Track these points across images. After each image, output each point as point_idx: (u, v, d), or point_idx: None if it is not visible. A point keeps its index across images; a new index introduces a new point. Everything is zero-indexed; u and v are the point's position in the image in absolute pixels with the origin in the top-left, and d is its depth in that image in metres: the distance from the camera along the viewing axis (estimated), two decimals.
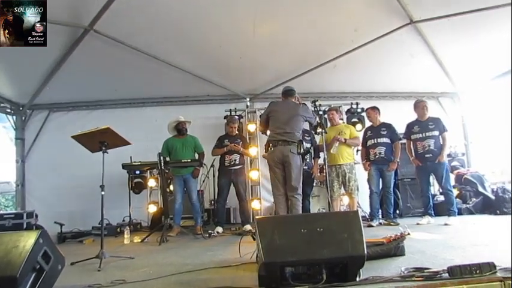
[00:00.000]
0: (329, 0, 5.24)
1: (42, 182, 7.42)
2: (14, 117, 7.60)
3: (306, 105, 4.75)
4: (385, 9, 5.54)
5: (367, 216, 6.08)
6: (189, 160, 5.36)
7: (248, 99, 7.77)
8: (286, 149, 4.41)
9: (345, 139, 5.55)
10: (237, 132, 6.17)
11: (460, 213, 5.73)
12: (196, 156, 5.75)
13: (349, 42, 6.21)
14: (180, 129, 5.76)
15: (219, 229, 5.56)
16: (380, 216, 5.76)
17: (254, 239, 2.95)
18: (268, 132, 4.78)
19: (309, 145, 5.78)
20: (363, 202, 6.31)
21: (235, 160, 5.80)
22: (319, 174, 6.26)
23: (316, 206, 5.94)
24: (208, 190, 6.60)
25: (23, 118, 7.59)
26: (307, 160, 5.80)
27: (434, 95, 7.82)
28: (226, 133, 6.21)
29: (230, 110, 7.25)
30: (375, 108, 5.93)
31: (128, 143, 3.77)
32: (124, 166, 5.20)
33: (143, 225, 6.88)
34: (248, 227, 5.46)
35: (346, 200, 5.85)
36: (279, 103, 4.87)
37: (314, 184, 6.10)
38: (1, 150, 11.15)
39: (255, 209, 6.20)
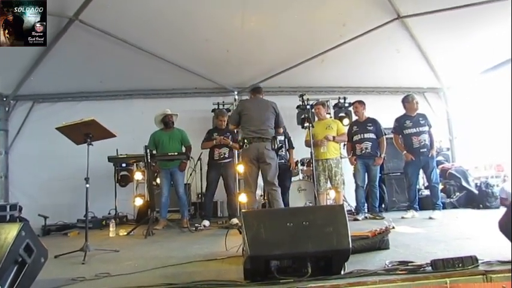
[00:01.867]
0: None
1: (26, 173, 7.30)
2: None
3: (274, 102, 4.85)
4: (373, 4, 5.58)
5: (353, 210, 6.14)
6: (175, 153, 5.32)
7: (236, 92, 7.75)
8: (262, 145, 4.51)
9: (334, 137, 5.59)
10: (225, 125, 6.14)
11: (444, 207, 5.81)
12: (183, 149, 5.71)
13: (337, 37, 6.25)
14: (166, 122, 5.71)
15: (206, 222, 5.56)
16: (366, 210, 5.82)
17: (240, 233, 2.95)
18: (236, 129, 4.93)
19: (282, 137, 5.80)
20: (349, 196, 6.38)
21: (224, 154, 5.78)
22: (302, 168, 6.31)
23: (303, 200, 5.96)
24: (196, 183, 6.57)
25: (6, 109, 7.43)
26: (283, 153, 5.84)
27: (420, 91, 7.89)
28: (215, 126, 6.18)
29: (218, 103, 7.21)
30: (362, 103, 5.95)
31: (113, 135, 3.72)
32: (110, 159, 5.13)
33: (129, 218, 6.84)
34: (235, 220, 5.47)
35: (332, 194, 5.88)
36: (249, 101, 4.98)
37: (301, 178, 6.12)
38: None
39: (242, 202, 6.17)
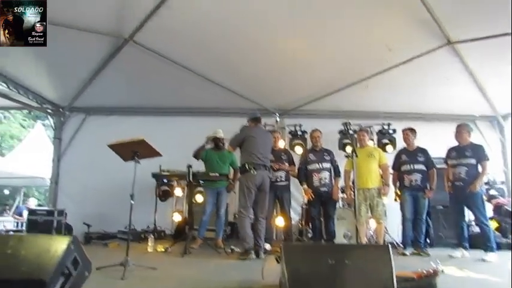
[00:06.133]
0: (363, 18, 5.13)
1: (74, 181, 7.65)
2: (54, 117, 7.98)
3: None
4: (422, 28, 5.36)
5: (395, 243, 5.89)
6: (217, 174, 5.38)
7: (278, 114, 7.77)
8: (266, 173, 4.81)
9: (385, 191, 5.41)
10: (280, 146, 6.13)
11: (499, 247, 5.27)
12: (232, 171, 5.81)
13: (382, 62, 6.09)
14: (217, 143, 5.81)
15: (267, 246, 5.32)
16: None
17: (278, 262, 2.90)
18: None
19: (328, 165, 5.69)
20: (390, 228, 6.13)
21: (280, 177, 5.72)
22: (342, 195, 6.14)
23: (342, 229, 5.79)
24: (234, 204, 6.59)
25: (62, 119, 7.92)
26: (327, 181, 5.64)
27: (471, 118, 7.43)
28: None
29: None
30: (413, 131, 5.66)
31: (159, 155, 3.84)
32: (154, 175, 5.27)
33: (167, 233, 6.93)
34: (267, 246, 5.33)
35: (372, 223, 5.68)
36: (253, 129, 5.09)
37: (340, 206, 5.97)
38: (38, 146, 11.68)
39: (278, 226, 6.11)
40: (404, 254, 5.18)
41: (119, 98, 7.54)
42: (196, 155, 5.65)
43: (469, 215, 5.79)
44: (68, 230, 6.43)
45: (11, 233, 7.60)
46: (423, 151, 5.55)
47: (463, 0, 4.68)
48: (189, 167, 5.05)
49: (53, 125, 8.09)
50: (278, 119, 7.74)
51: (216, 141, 5.80)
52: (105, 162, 6.76)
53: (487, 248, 4.91)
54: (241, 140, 4.86)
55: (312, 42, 5.76)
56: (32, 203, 11.44)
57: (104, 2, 4.81)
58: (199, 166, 5.73)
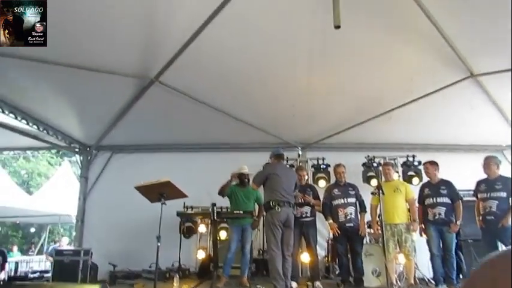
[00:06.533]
0: (387, 52, 5.19)
1: (99, 219, 7.76)
2: (81, 156, 8.22)
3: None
4: (443, 61, 5.37)
5: (426, 280, 5.69)
6: (241, 212, 5.37)
7: (300, 148, 7.78)
8: (290, 210, 4.82)
9: (414, 227, 5.32)
10: (306, 181, 6.12)
11: None
12: (257, 207, 5.83)
13: (405, 95, 6.09)
14: (243, 180, 5.85)
15: (294, 284, 5.27)
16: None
17: None
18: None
19: (353, 199, 5.61)
20: (420, 263, 5.91)
21: (306, 213, 5.67)
22: (368, 231, 6.00)
23: (370, 266, 5.60)
24: (258, 240, 6.53)
25: (89, 158, 8.15)
26: (353, 216, 5.56)
27: (498, 148, 7.31)
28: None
29: None
30: (434, 164, 5.58)
31: (185, 196, 3.89)
32: (178, 214, 5.31)
33: (191, 271, 6.87)
34: (294, 284, 5.24)
35: (401, 258, 5.49)
36: (276, 166, 5.24)
37: (368, 242, 5.81)
38: (65, 184, 11.95)
39: (304, 263, 5.97)
40: None
41: (143, 136, 7.74)
42: (222, 192, 5.65)
43: (501, 249, 5.55)
44: (93, 270, 6.41)
45: (37, 274, 7.63)
46: (447, 183, 5.43)
47: (483, 33, 4.68)
48: (213, 205, 5.05)
49: (79, 163, 8.30)
50: (300, 153, 7.75)
51: (242, 178, 5.83)
52: (130, 200, 6.83)
53: None
54: (265, 177, 4.90)
55: (334, 76, 5.81)
56: (65, 242, 10.95)
57: (130, 44, 4.98)
58: (223, 202, 5.75)
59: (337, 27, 3.10)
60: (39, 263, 10.43)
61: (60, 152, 16.62)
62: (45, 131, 7.09)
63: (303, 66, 5.51)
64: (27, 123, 6.65)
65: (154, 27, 4.67)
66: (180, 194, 3.84)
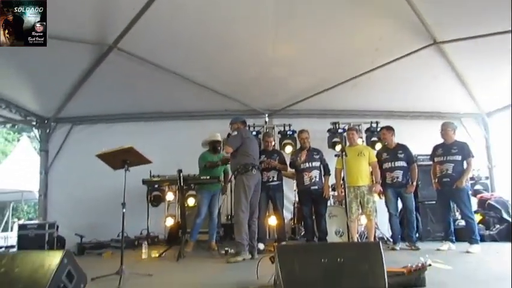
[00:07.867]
0: (351, 20, 5.21)
1: (63, 192, 7.56)
2: (39, 129, 7.82)
3: None
4: (408, 29, 5.46)
5: (385, 238, 6.01)
6: (207, 178, 5.40)
7: (266, 114, 7.81)
8: (259, 174, 4.99)
9: (376, 189, 5.49)
10: (273, 147, 6.17)
11: (482, 239, 5.51)
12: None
13: (369, 62, 6.18)
14: (215, 147, 5.87)
15: (261, 246, 5.41)
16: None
17: (272, 262, 2.94)
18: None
19: (318, 163, 5.76)
20: (381, 223, 6.22)
21: (273, 177, 5.72)
22: (332, 193, 6.21)
23: (333, 227, 5.86)
24: (226, 206, 6.61)
25: (47, 131, 7.79)
26: (317, 179, 5.70)
27: (456, 116, 7.60)
28: (262, 148, 6.03)
29: (248, 125, 7.23)
30: (390, 129, 5.77)
31: (149, 162, 3.85)
32: (144, 182, 5.27)
33: (160, 239, 6.90)
34: (261, 245, 5.39)
35: (363, 220, 5.75)
36: (247, 131, 5.43)
37: (332, 204, 6.03)
38: (25, 160, 11.46)
39: (271, 226, 6.14)
40: (394, 249, 5.30)
41: (105, 106, 7.46)
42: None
43: (454, 210, 5.95)
44: (60, 242, 6.30)
45: (2, 250, 7.43)
46: (403, 147, 5.66)
47: (448, 1, 4.76)
48: (180, 171, 5.05)
49: (38, 137, 7.92)
50: (267, 119, 7.79)
51: (215, 145, 5.84)
52: (94, 172, 6.70)
53: (471, 241, 5.06)
54: (241, 141, 4.88)
55: (299, 43, 5.80)
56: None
57: (85, 10, 4.73)
58: (188, 170, 5.70)
59: None
60: (4, 239, 10.10)
61: (18, 127, 15.78)
62: None
63: (267, 33, 5.44)
64: None
65: None
66: (144, 160, 3.78)
